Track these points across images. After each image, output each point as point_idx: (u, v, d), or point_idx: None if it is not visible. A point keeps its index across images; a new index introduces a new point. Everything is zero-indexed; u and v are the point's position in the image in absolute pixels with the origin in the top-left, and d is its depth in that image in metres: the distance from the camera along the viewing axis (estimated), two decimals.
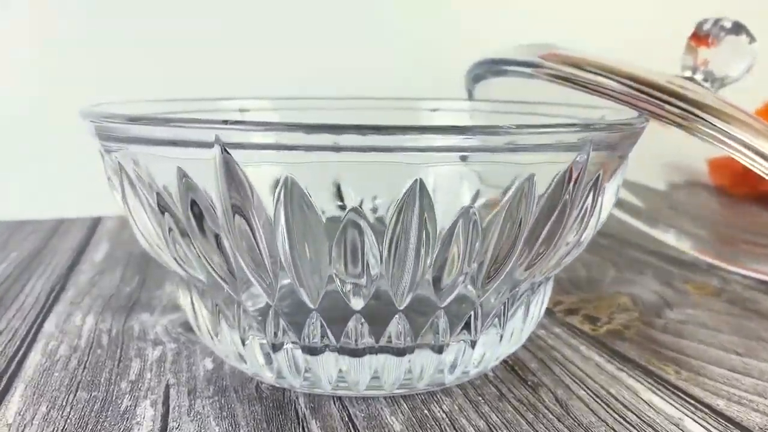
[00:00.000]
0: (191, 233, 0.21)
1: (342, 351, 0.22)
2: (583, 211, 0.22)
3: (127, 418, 0.22)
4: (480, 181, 0.21)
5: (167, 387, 0.24)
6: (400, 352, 0.22)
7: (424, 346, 0.22)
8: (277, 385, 0.24)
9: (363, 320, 0.21)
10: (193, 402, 0.23)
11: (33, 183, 0.49)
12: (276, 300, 0.21)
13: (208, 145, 0.18)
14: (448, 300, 0.21)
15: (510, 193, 0.20)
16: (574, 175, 0.20)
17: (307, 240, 0.19)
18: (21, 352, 0.26)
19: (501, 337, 0.23)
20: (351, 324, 0.21)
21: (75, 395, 0.23)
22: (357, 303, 0.21)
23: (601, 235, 0.37)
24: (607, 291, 0.35)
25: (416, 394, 0.23)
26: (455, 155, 0.19)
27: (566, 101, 0.27)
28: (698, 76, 0.32)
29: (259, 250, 0.20)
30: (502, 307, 0.23)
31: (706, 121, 0.24)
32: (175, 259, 0.22)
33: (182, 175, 0.19)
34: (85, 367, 0.25)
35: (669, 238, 0.37)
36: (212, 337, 0.24)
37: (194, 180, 0.19)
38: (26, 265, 0.38)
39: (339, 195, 0.21)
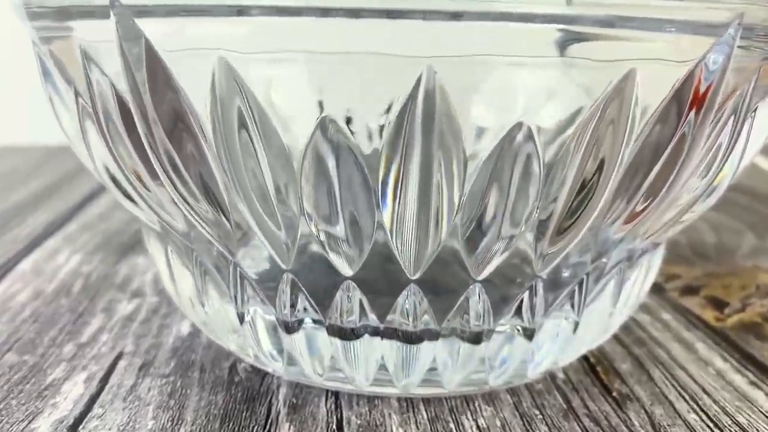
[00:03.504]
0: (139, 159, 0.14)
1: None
2: (715, 142, 0.14)
3: (45, 396, 0.16)
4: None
5: (118, 357, 0.18)
6: (409, 338, 0.15)
7: (450, 332, 0.15)
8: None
9: (355, 288, 0.14)
10: (139, 381, 0.17)
11: None
12: (238, 258, 0.15)
13: (105, 15, 0.12)
14: (487, 271, 0.14)
15: (594, 105, 0.12)
16: (706, 81, 0.12)
17: (263, 168, 0.13)
18: None
19: (576, 325, 0.16)
20: (334, 293, 0.14)
21: (1, 358, 0.18)
22: (340, 265, 0.14)
23: (737, 189, 0.28)
24: (743, 264, 0.26)
25: (445, 398, 0.16)
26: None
27: None
28: None
29: (203, 179, 0.13)
30: (580, 284, 0.15)
31: None
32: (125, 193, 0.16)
33: (84, 56, 0.13)
34: (35, 321, 0.20)
35: None
36: (197, 308, 0.17)
37: (104, 68, 0.13)
38: (41, 193, 0.34)
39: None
